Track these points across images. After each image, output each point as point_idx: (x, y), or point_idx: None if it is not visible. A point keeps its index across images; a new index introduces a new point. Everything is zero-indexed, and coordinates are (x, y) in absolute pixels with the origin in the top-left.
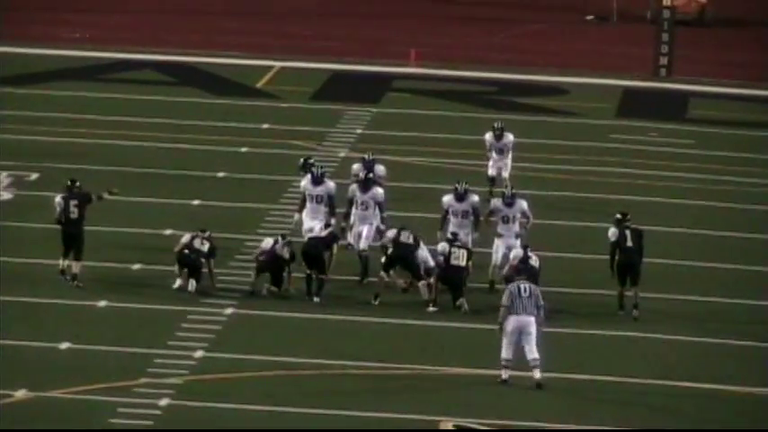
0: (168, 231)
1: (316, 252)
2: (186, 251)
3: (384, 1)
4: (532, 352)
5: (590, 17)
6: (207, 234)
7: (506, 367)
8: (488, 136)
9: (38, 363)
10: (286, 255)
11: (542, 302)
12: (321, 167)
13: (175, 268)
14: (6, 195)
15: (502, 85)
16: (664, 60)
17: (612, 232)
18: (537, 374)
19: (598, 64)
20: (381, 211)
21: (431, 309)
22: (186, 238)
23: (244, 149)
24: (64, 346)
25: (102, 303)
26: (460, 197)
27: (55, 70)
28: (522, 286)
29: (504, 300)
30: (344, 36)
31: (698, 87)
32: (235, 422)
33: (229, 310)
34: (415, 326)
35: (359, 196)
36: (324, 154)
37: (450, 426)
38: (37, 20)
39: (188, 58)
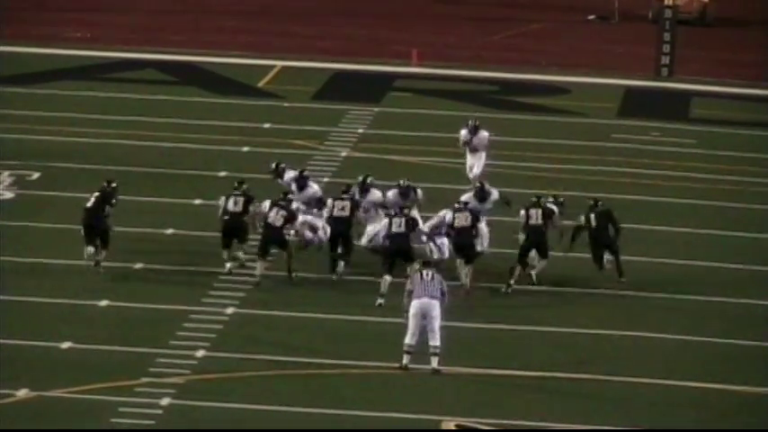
0: (170, 231)
1: (344, 230)
2: (226, 217)
3: (386, 0)
4: (435, 339)
5: (592, 17)
6: (248, 191)
7: (408, 353)
8: (463, 132)
9: (39, 362)
10: (279, 222)
11: (446, 288)
12: (303, 171)
13: (225, 254)
14: (8, 195)
15: (503, 85)
16: (665, 60)
17: (581, 219)
18: (434, 362)
19: (600, 63)
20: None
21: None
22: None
23: (245, 149)
24: (65, 345)
25: (104, 303)
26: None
27: (57, 70)
28: (424, 272)
29: (408, 285)
30: (346, 35)
31: (700, 87)
32: (236, 422)
33: (231, 310)
34: None
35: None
36: (325, 153)
37: (452, 426)
38: (39, 19)
39: (190, 58)
